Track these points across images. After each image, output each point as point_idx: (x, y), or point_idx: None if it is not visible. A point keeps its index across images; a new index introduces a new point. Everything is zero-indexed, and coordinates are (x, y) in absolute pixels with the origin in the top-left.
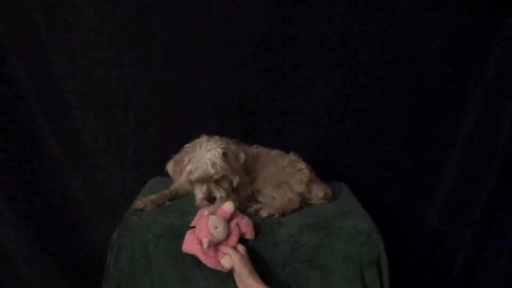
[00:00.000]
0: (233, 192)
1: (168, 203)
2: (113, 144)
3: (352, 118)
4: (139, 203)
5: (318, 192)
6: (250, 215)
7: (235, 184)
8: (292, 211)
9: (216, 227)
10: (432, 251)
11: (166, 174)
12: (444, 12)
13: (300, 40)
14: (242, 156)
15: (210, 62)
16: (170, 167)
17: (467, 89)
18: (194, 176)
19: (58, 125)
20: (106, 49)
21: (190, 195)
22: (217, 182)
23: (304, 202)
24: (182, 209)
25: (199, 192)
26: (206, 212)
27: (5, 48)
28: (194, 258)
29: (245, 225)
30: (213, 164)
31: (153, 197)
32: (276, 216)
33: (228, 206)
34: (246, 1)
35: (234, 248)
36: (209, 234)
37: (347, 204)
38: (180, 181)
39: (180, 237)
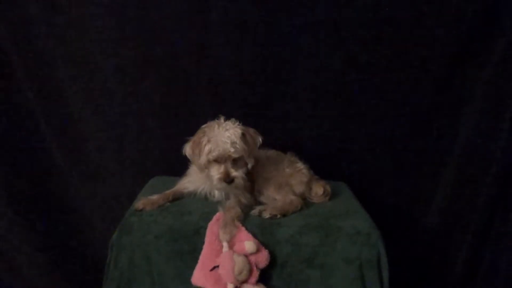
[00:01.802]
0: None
1: (168, 204)
2: (113, 144)
3: (352, 118)
4: (139, 203)
5: (318, 189)
6: (253, 217)
7: (249, 166)
8: (293, 212)
9: (241, 272)
10: (432, 251)
11: (166, 173)
12: (446, 8)
13: (299, 40)
14: (260, 139)
15: (210, 62)
16: (188, 148)
17: (466, 89)
18: (213, 155)
19: (58, 126)
20: (106, 49)
21: (191, 196)
22: (234, 162)
23: (305, 202)
24: (182, 210)
25: (216, 173)
26: (225, 245)
27: (6, 49)
28: (193, 259)
29: (263, 262)
30: (233, 143)
31: (154, 197)
32: (278, 216)
33: (249, 247)
34: (247, 2)
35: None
36: (235, 279)
37: (347, 204)
38: (199, 162)
39: (180, 238)
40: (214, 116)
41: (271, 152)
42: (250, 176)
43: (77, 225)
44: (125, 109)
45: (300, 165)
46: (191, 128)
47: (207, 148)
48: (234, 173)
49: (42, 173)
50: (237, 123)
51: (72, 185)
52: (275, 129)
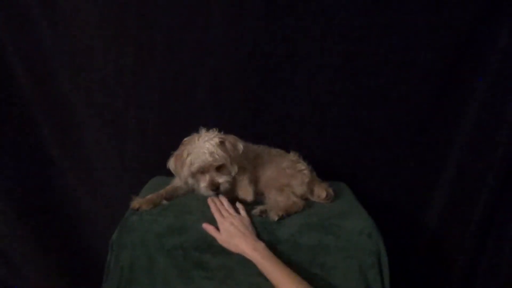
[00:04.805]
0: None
1: (165, 202)
2: (113, 144)
3: (352, 118)
4: (134, 203)
5: (320, 192)
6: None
7: (233, 174)
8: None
9: None
10: (432, 251)
11: (166, 174)
12: (445, 11)
13: (300, 41)
14: (241, 146)
15: (211, 62)
16: (171, 163)
17: (467, 89)
18: (194, 167)
19: (58, 125)
20: (106, 49)
21: (189, 195)
22: (218, 170)
23: (306, 202)
24: (182, 209)
25: (202, 182)
26: None
27: (5, 48)
28: (194, 258)
29: None
30: (211, 153)
31: (149, 196)
32: (285, 216)
33: None
34: (247, 2)
35: None
36: None
37: (347, 204)
38: (183, 175)
39: (180, 237)
40: (214, 117)
41: (273, 150)
42: (252, 176)
43: (77, 225)
44: (125, 109)
45: (301, 165)
46: (191, 128)
47: (188, 161)
48: (218, 179)
49: (42, 173)
50: (216, 132)
51: (72, 186)
52: (276, 129)
